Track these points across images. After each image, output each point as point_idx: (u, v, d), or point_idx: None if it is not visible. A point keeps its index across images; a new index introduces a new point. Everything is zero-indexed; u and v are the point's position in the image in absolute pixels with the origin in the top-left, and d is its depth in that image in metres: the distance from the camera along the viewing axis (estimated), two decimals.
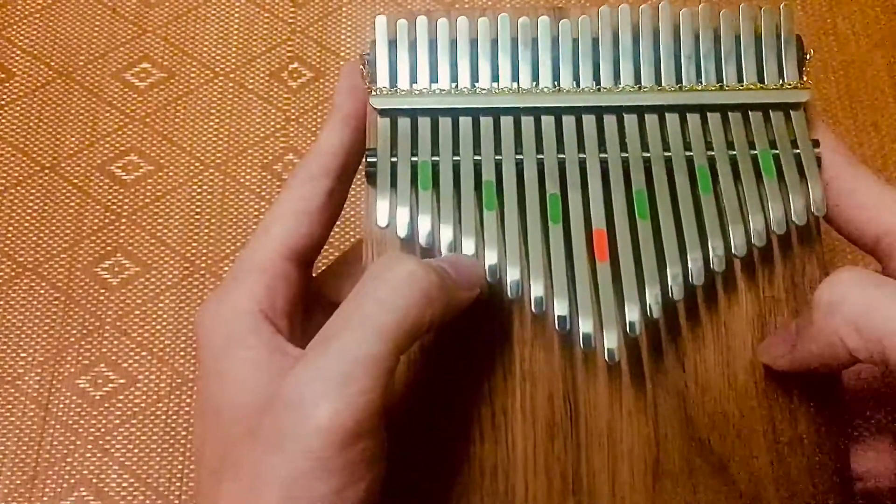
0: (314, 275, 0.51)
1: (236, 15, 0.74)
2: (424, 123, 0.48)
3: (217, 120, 0.71)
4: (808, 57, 0.49)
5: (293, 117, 0.71)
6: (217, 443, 0.42)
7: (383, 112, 0.48)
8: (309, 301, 0.49)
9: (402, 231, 0.46)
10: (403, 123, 0.48)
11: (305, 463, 0.37)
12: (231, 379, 0.42)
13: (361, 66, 0.50)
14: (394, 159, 0.48)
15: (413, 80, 0.49)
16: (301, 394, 0.38)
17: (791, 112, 0.48)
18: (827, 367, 0.43)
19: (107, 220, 0.67)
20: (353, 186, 0.51)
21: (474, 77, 0.49)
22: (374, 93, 0.49)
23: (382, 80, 0.49)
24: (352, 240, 0.65)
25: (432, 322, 0.40)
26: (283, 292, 0.46)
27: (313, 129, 0.70)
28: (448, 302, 0.42)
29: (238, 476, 0.39)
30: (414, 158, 0.48)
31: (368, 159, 0.48)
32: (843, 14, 0.73)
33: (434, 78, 0.49)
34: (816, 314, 0.41)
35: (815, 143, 0.48)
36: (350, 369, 0.38)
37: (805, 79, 0.49)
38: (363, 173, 0.49)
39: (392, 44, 0.50)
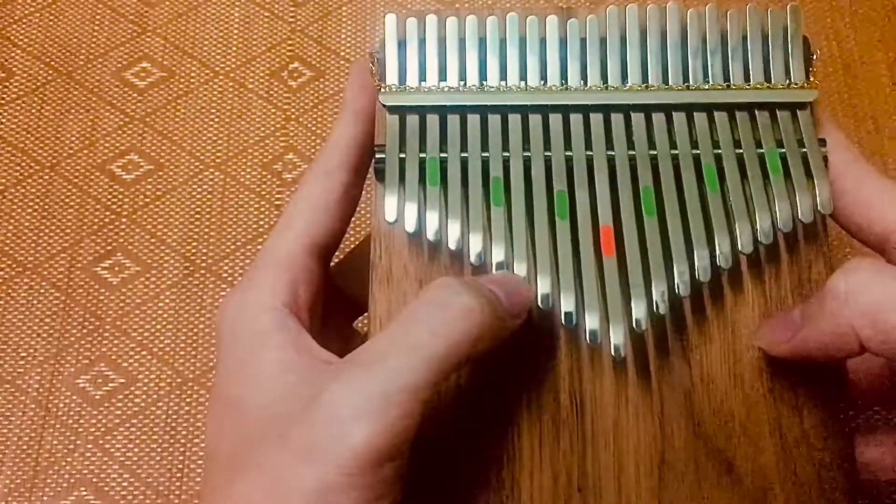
0: None
1: (236, 14, 0.74)
2: (433, 120, 0.48)
3: (217, 119, 0.71)
4: (814, 57, 0.50)
5: (293, 117, 0.71)
6: (236, 440, 0.42)
7: (392, 109, 0.48)
8: (326, 295, 0.49)
9: (409, 227, 0.46)
10: (412, 120, 0.48)
11: (335, 478, 0.37)
12: (258, 378, 0.42)
13: (371, 64, 0.50)
14: (402, 155, 0.48)
15: (422, 77, 0.49)
16: (341, 410, 0.38)
17: (798, 111, 0.49)
18: (831, 356, 0.43)
19: (107, 220, 0.67)
20: None
21: (483, 75, 0.49)
22: (383, 90, 0.49)
23: (392, 77, 0.49)
24: (361, 235, 0.65)
25: (479, 354, 0.41)
26: (306, 286, 0.46)
27: (313, 128, 0.70)
28: (499, 335, 0.42)
29: (259, 478, 0.39)
30: (422, 155, 0.48)
31: (377, 155, 0.48)
32: (843, 14, 0.74)
33: (443, 76, 0.50)
34: (830, 302, 0.41)
35: (822, 142, 0.48)
36: (393, 394, 0.38)
37: (812, 78, 0.49)
38: (372, 169, 0.49)
39: (401, 42, 0.50)
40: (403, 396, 0.38)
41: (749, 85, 0.49)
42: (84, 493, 0.60)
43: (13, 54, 0.73)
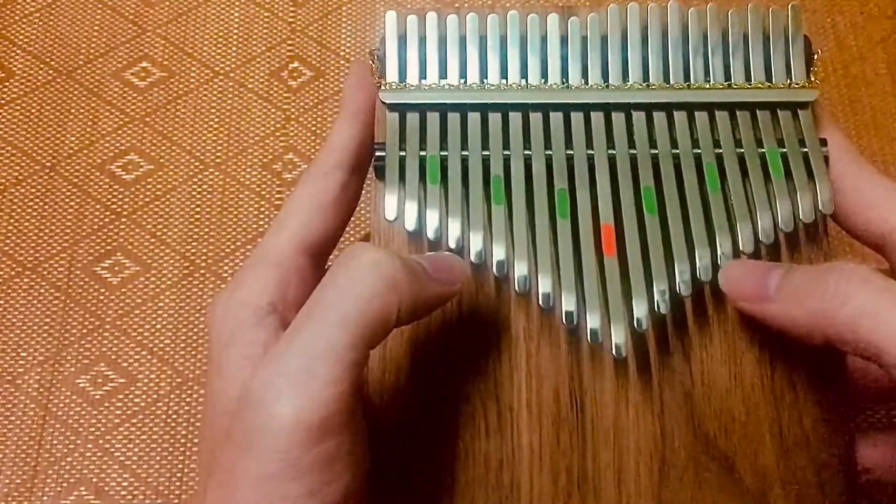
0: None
1: (236, 14, 0.74)
2: (433, 118, 0.48)
3: (217, 119, 0.71)
4: (815, 56, 0.50)
5: (293, 116, 0.71)
6: (210, 440, 0.42)
7: (392, 107, 0.48)
8: None
9: (410, 225, 0.46)
10: (412, 118, 0.48)
11: (274, 464, 0.36)
12: (225, 374, 0.42)
13: (371, 62, 0.50)
14: (402, 153, 0.48)
15: (422, 75, 0.49)
16: (264, 393, 0.37)
17: (799, 111, 0.49)
18: (788, 335, 0.43)
19: (107, 220, 0.67)
20: None
21: (483, 73, 0.49)
22: (383, 87, 0.49)
23: (392, 75, 0.49)
24: (361, 234, 0.66)
25: (401, 312, 0.40)
26: (295, 286, 0.45)
27: (313, 128, 0.70)
28: (419, 293, 0.41)
29: (219, 477, 0.38)
30: (422, 153, 0.48)
31: (377, 153, 0.48)
32: (843, 14, 0.74)
33: (443, 73, 0.50)
34: (818, 298, 0.41)
35: (823, 142, 0.48)
36: (312, 363, 0.37)
37: (813, 78, 0.49)
38: (372, 167, 0.49)
39: (402, 39, 0.50)
40: (323, 363, 0.37)
41: (750, 84, 0.49)
42: (84, 492, 0.60)
43: (13, 54, 0.73)
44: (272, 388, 0.37)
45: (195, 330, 0.64)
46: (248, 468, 0.36)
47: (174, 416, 0.62)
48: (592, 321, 0.45)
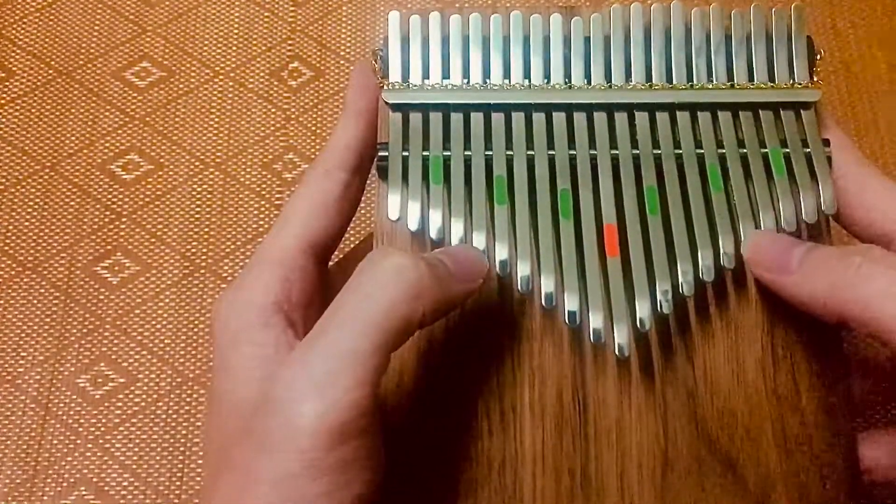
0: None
1: (236, 14, 0.74)
2: (436, 118, 0.49)
3: (217, 119, 0.71)
4: (818, 57, 0.50)
5: (293, 116, 0.71)
6: (218, 439, 0.42)
7: (395, 107, 0.48)
8: (323, 294, 0.48)
9: (412, 224, 0.46)
10: (415, 118, 0.48)
11: (294, 464, 0.36)
12: (234, 374, 0.42)
13: (374, 62, 0.50)
14: (405, 153, 0.48)
15: (425, 75, 0.50)
16: (287, 394, 0.37)
17: (802, 111, 0.49)
18: (811, 310, 0.43)
19: (107, 219, 0.67)
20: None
21: (486, 73, 0.50)
22: (386, 87, 0.49)
23: (395, 75, 0.49)
24: (363, 234, 0.65)
25: (425, 316, 0.40)
26: (300, 285, 0.45)
27: (313, 128, 0.70)
28: (443, 295, 0.41)
29: (233, 475, 0.39)
30: (425, 153, 0.48)
31: (380, 153, 0.48)
32: (843, 13, 0.74)
33: (446, 74, 0.50)
34: (841, 274, 0.41)
35: (826, 143, 0.48)
36: (335, 367, 0.37)
37: (816, 79, 0.50)
38: (375, 167, 0.49)
39: (405, 39, 0.50)
40: (347, 367, 0.37)
41: (753, 84, 0.49)
42: (84, 492, 0.60)
43: (13, 54, 0.72)
44: (295, 390, 0.37)
45: (195, 330, 0.64)
46: (267, 467, 0.37)
47: (174, 416, 0.62)
48: (595, 321, 0.45)
